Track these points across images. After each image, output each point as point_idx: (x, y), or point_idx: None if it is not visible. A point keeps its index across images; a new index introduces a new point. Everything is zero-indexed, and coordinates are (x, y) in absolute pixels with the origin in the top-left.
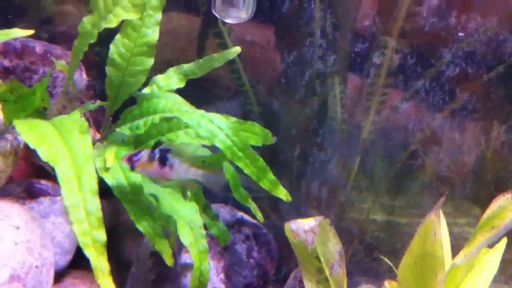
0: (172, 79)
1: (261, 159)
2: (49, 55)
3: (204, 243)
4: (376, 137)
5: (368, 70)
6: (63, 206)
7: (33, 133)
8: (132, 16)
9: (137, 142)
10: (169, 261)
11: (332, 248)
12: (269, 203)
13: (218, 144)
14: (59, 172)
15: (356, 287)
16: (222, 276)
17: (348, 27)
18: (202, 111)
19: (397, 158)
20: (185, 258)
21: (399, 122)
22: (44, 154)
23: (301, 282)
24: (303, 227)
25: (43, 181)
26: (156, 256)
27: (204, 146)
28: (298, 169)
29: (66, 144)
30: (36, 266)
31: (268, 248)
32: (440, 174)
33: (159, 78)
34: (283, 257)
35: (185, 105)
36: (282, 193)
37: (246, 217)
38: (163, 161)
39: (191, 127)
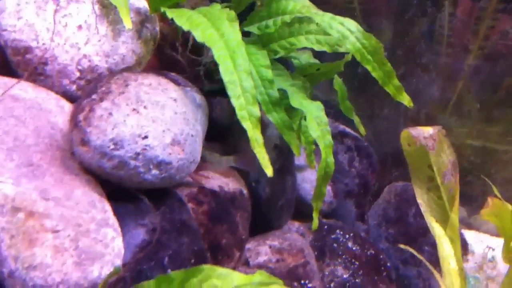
0: None
1: (388, 64)
2: None
3: (329, 138)
4: (482, 62)
5: None
6: (194, 95)
7: (184, 19)
8: None
9: (262, 43)
10: (296, 151)
11: (445, 158)
12: (367, 121)
13: (348, 46)
14: (216, 52)
15: None
16: None
17: None
18: (331, 14)
19: (502, 85)
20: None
21: (508, 48)
22: (199, 36)
23: (396, 196)
24: (423, 134)
25: (172, 73)
26: (279, 148)
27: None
28: None
29: (217, 29)
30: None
31: (369, 160)
32: None
33: None
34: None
35: (313, 8)
36: (406, 99)
37: (348, 129)
38: None
39: (322, 27)
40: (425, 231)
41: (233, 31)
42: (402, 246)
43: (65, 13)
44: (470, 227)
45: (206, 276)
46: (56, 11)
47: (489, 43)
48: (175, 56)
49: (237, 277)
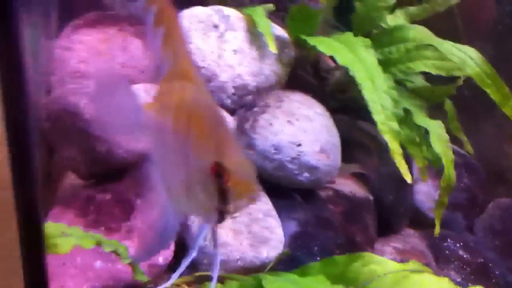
0: (399, 18)
1: (506, 87)
2: None
3: (451, 153)
4: None
5: None
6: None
7: (324, 45)
8: None
9: (383, 67)
10: (420, 163)
11: None
12: (472, 140)
13: (469, 71)
14: (357, 74)
15: None
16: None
17: None
18: (451, 42)
19: None
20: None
21: None
22: (341, 60)
23: (501, 209)
24: None
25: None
26: None
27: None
28: None
29: (355, 54)
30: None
31: (477, 176)
32: None
33: (388, 18)
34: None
35: (433, 36)
36: None
37: (457, 148)
38: None
39: (439, 52)
40: None
41: (369, 56)
42: None
43: (223, 39)
44: None
45: (366, 261)
46: (217, 37)
47: None
48: (306, 77)
49: (393, 264)
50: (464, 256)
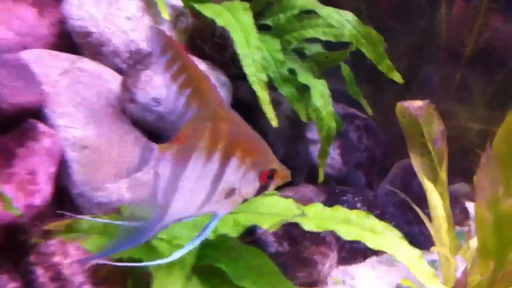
0: None
1: (381, 47)
2: None
3: (331, 107)
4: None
5: None
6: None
7: (209, 10)
8: None
9: (276, 34)
10: (303, 117)
11: (435, 127)
12: (379, 107)
13: (345, 32)
14: (233, 33)
15: None
16: (338, 151)
17: None
18: (332, 7)
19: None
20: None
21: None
22: (221, 21)
23: (403, 169)
24: (413, 105)
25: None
26: (290, 119)
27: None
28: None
29: (234, 16)
30: None
31: (376, 137)
32: None
33: None
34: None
35: (317, 3)
36: (397, 77)
37: (357, 112)
38: None
39: (324, 19)
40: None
41: (246, 17)
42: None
43: (117, 7)
44: (472, 200)
45: None
46: (110, 4)
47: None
48: (203, 45)
49: None
50: (362, 208)
